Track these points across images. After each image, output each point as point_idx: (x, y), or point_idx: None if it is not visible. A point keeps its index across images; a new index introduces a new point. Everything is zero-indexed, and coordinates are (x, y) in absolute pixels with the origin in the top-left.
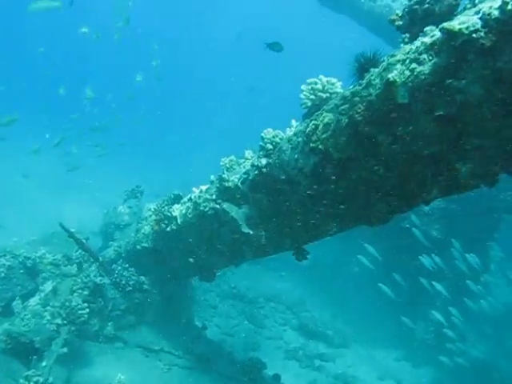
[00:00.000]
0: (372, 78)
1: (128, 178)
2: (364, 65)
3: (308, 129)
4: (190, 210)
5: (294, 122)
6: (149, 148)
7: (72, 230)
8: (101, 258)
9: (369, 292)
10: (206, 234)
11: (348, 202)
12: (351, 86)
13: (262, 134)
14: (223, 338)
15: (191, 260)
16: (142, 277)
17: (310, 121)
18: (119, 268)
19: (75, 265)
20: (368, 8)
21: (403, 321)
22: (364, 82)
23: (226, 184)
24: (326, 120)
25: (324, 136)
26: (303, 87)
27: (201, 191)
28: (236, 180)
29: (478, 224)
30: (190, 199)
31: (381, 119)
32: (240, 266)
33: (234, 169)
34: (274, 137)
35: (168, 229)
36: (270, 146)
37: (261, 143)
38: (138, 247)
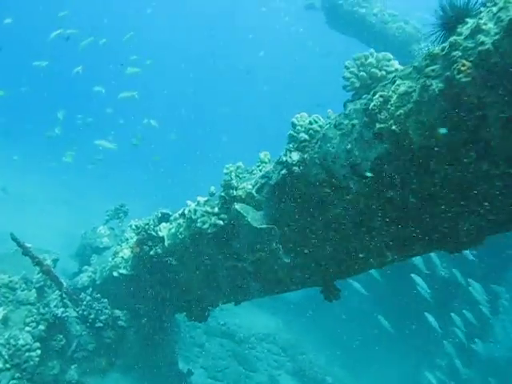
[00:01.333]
0: (481, 22)
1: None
2: (453, 17)
3: (372, 104)
4: (181, 229)
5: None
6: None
7: (28, 244)
8: (65, 284)
9: (365, 329)
10: (202, 261)
11: (425, 215)
12: (436, 47)
13: (294, 120)
14: (210, 383)
15: (180, 293)
16: (117, 310)
17: (373, 94)
18: (88, 298)
19: (34, 290)
20: (379, 29)
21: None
22: (465, 30)
23: (235, 193)
24: (401, 89)
25: (400, 112)
26: (348, 63)
27: (198, 203)
28: (249, 187)
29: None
30: (183, 214)
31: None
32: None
33: (243, 177)
34: (311, 123)
35: (152, 252)
36: (304, 136)
37: (291, 132)
38: (115, 274)
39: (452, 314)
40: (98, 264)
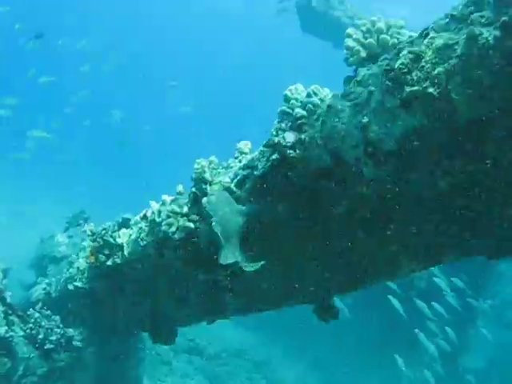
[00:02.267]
0: None
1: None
2: None
3: (399, 62)
4: (143, 234)
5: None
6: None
7: None
8: (8, 299)
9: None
10: (169, 273)
11: (465, 210)
12: None
13: (287, 93)
14: None
15: (143, 310)
16: (71, 329)
17: (397, 52)
18: (36, 315)
19: None
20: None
21: None
22: None
23: (208, 188)
24: (438, 42)
25: (439, 70)
26: (351, 31)
27: (163, 203)
28: (227, 180)
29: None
30: (145, 217)
31: None
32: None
33: (217, 173)
34: (309, 95)
35: (109, 262)
36: (301, 112)
37: (283, 108)
38: (70, 287)
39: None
40: (54, 275)
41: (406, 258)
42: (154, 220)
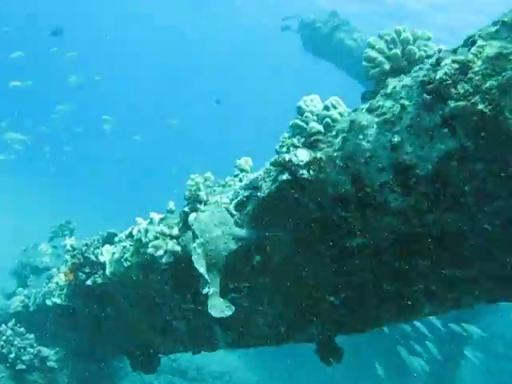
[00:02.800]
0: None
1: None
2: None
3: (441, 72)
4: (127, 254)
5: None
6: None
7: None
8: None
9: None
10: (154, 300)
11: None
12: None
13: (301, 104)
14: None
15: (124, 336)
16: (46, 349)
17: (437, 61)
18: (8, 333)
19: None
20: (359, 54)
21: None
22: None
23: (203, 209)
24: (489, 51)
25: (491, 84)
26: (373, 40)
27: (151, 222)
28: (226, 201)
29: None
30: (131, 235)
31: None
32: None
33: (213, 192)
34: (327, 108)
35: (89, 282)
36: (317, 127)
37: (297, 121)
38: (48, 302)
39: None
40: (35, 286)
41: (427, 301)
42: (140, 240)
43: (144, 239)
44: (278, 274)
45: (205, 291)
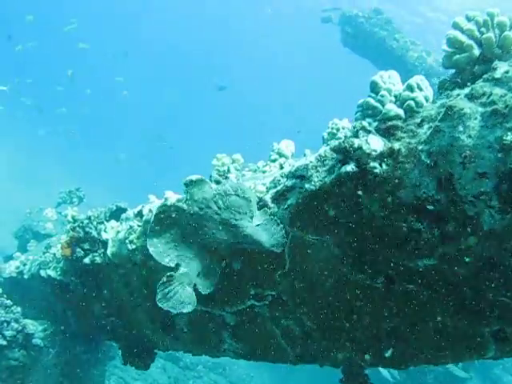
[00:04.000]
0: None
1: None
2: None
3: None
4: (133, 236)
5: None
6: None
7: None
8: None
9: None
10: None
11: None
12: None
13: (376, 79)
14: None
15: (120, 325)
16: (32, 325)
17: None
18: None
19: None
20: (399, 55)
21: None
22: None
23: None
24: None
25: None
26: (459, 20)
27: (165, 201)
28: (261, 189)
29: None
30: (140, 214)
31: None
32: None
33: (242, 176)
34: (410, 88)
35: (87, 260)
36: (396, 111)
37: (369, 99)
38: (42, 273)
39: None
40: (34, 253)
41: (495, 344)
42: (149, 221)
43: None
44: (315, 287)
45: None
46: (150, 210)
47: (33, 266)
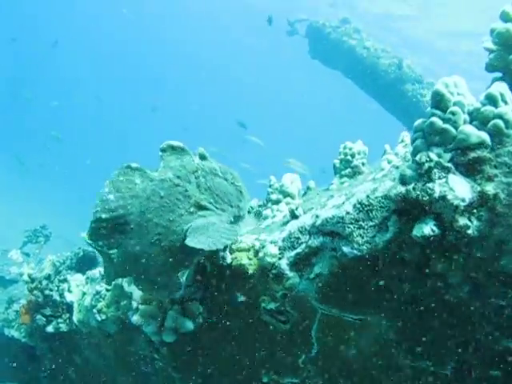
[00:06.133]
0: None
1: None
2: None
3: None
4: (103, 304)
5: None
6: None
7: None
8: None
9: None
10: (139, 367)
11: None
12: None
13: (440, 89)
14: None
15: None
16: None
17: None
18: None
19: None
20: (370, 64)
21: None
22: None
23: (229, 257)
24: None
25: None
26: (510, 9)
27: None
28: (273, 251)
29: None
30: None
31: None
32: None
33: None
34: (492, 101)
35: (50, 328)
36: (476, 136)
37: (434, 118)
38: (6, 333)
39: None
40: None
41: None
42: (121, 286)
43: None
44: (354, 375)
45: None
46: None
47: None
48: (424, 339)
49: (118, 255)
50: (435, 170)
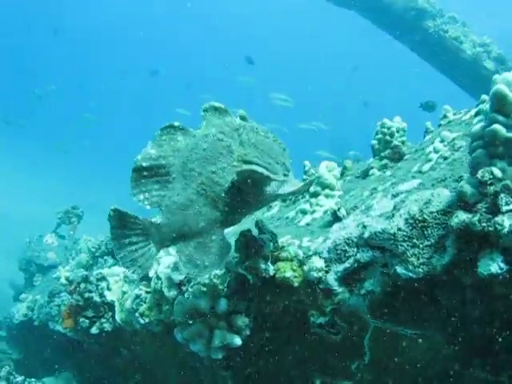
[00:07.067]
0: None
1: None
2: None
3: None
4: (144, 307)
5: None
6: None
7: None
8: None
9: None
10: (189, 362)
11: None
12: None
13: (502, 89)
14: None
15: None
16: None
17: None
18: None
19: None
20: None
21: None
22: None
23: (271, 269)
24: None
25: None
26: None
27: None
28: (318, 264)
29: None
30: (146, 277)
31: None
32: None
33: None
34: None
35: (94, 330)
36: None
37: (498, 127)
38: (50, 325)
39: None
40: (40, 290)
41: None
42: (160, 291)
43: (168, 293)
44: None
45: None
46: (158, 277)
47: (41, 314)
48: (482, 356)
49: (160, 216)
50: (502, 195)
